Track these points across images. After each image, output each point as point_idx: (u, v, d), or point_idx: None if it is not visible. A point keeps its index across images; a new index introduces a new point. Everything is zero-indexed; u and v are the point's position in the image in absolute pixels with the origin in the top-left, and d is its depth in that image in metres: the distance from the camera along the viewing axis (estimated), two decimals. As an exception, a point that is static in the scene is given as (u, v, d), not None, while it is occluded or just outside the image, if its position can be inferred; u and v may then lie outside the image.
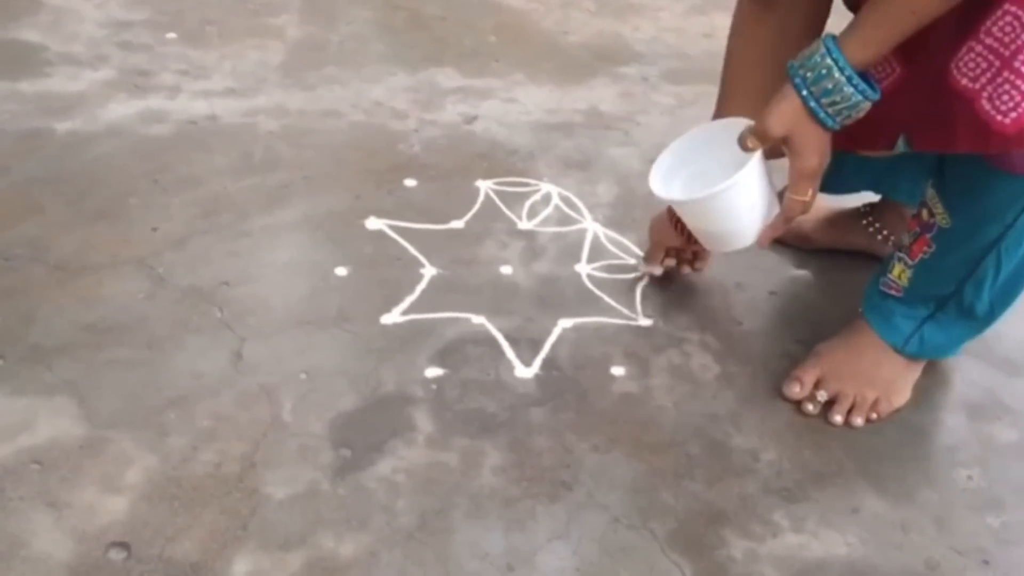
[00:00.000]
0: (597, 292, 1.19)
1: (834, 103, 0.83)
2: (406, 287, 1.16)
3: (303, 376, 1.01)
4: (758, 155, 0.90)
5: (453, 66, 1.72)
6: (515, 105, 1.61)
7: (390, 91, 1.61)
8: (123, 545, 0.82)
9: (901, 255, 1.03)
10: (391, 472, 0.91)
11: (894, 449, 1.01)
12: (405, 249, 1.23)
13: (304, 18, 1.85)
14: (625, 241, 1.29)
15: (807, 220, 1.23)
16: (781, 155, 0.91)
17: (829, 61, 0.81)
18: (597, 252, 1.26)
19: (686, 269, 1.20)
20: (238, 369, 1.01)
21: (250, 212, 1.26)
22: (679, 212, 1.03)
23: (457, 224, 1.29)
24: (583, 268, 1.23)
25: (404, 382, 1.02)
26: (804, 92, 0.83)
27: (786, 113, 0.85)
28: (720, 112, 1.05)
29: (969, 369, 1.13)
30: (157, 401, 0.96)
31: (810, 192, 0.90)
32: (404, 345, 1.07)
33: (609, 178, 1.43)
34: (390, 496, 0.89)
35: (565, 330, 1.12)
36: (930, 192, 0.98)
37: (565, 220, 1.32)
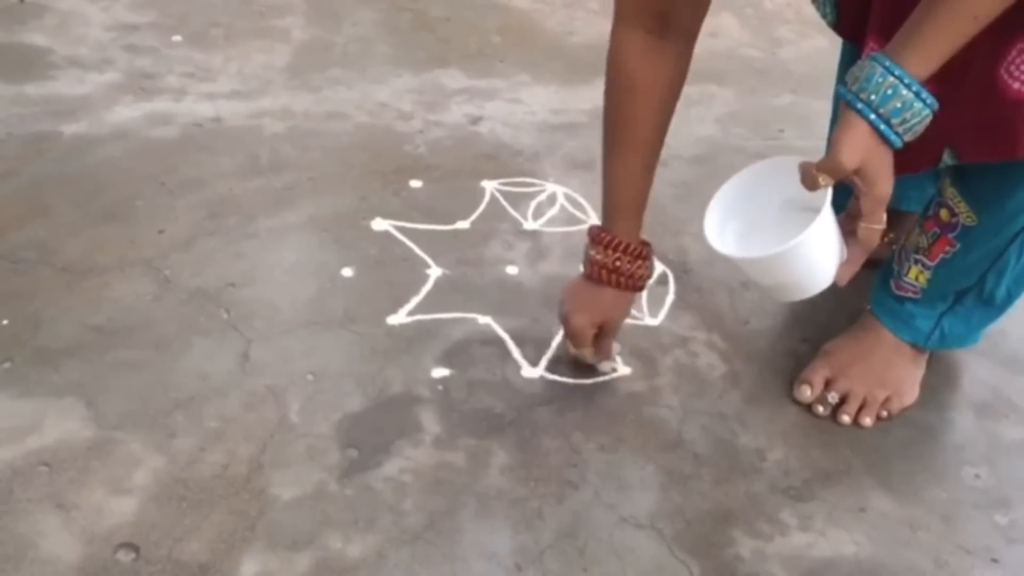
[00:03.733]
0: (603, 292, 1.19)
1: (904, 121, 0.77)
2: (412, 288, 1.16)
3: (310, 377, 1.01)
4: (830, 192, 0.81)
5: (458, 67, 1.72)
6: (520, 105, 1.61)
7: (395, 92, 1.62)
8: (131, 546, 0.82)
9: (918, 257, 1.02)
10: (398, 472, 0.92)
11: (901, 448, 1.01)
12: (411, 250, 1.23)
13: (309, 20, 1.85)
14: (631, 241, 1.29)
15: None
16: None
17: (892, 79, 0.76)
18: (603, 252, 1.26)
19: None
20: (245, 370, 1.01)
21: (256, 214, 1.27)
22: (746, 269, 0.91)
23: (463, 224, 1.29)
24: (589, 268, 1.23)
25: (411, 383, 1.02)
26: (872, 116, 0.77)
27: (857, 142, 0.78)
28: (618, 163, 0.97)
29: (976, 367, 1.13)
30: (164, 402, 0.96)
31: (884, 218, 0.83)
32: (410, 346, 1.07)
33: (614, 178, 1.43)
34: (397, 496, 0.89)
35: (571, 330, 1.12)
36: (950, 191, 0.97)
37: (571, 220, 1.33)
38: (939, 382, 1.10)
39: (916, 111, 0.77)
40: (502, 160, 1.45)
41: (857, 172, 0.80)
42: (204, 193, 1.30)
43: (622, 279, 0.99)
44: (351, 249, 1.22)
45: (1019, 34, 0.78)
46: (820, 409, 1.03)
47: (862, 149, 0.79)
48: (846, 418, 1.02)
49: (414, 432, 0.96)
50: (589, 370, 1.06)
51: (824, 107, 1.64)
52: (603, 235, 0.99)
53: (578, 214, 1.34)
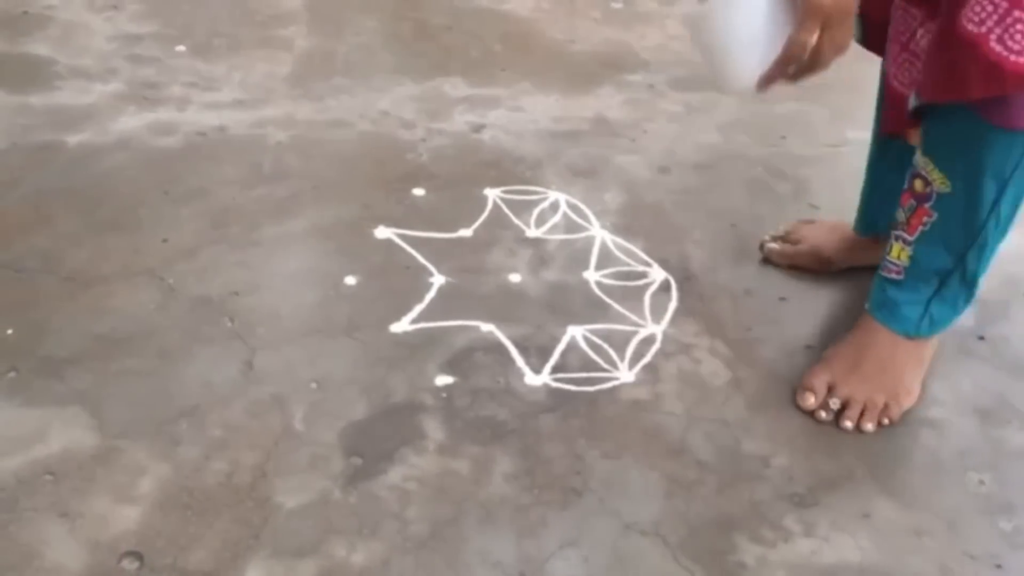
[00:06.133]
0: (606, 299, 1.19)
1: None
2: (415, 296, 1.16)
3: (313, 385, 1.01)
4: None
5: (460, 75, 1.73)
6: (522, 113, 1.61)
7: (397, 101, 1.62)
8: (136, 555, 0.82)
9: (899, 233, 1.02)
10: (402, 480, 0.92)
11: (905, 454, 1.01)
12: (414, 258, 1.23)
13: (312, 29, 1.86)
14: (633, 248, 1.29)
15: (828, 245, 1.23)
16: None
17: None
18: (605, 259, 1.27)
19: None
20: (249, 379, 1.02)
21: (259, 222, 1.27)
22: (690, 28, 0.94)
23: (465, 232, 1.30)
24: (591, 275, 1.23)
25: (414, 390, 1.02)
26: None
27: None
28: None
29: (979, 373, 1.13)
30: (169, 411, 0.97)
31: (815, 35, 0.85)
32: (414, 353, 1.07)
33: (616, 185, 1.43)
34: (401, 504, 0.89)
35: (574, 337, 1.12)
36: (922, 160, 0.97)
37: (573, 227, 1.33)
38: (942, 388, 1.10)
39: None
40: (504, 168, 1.46)
41: None
42: (208, 202, 1.30)
43: None
44: (354, 257, 1.22)
45: None
46: (823, 415, 1.03)
47: None
48: (848, 424, 1.02)
49: (418, 440, 0.96)
50: (593, 377, 1.06)
51: (825, 114, 1.65)
52: None
53: (580, 221, 1.34)
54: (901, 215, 1.01)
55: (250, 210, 1.29)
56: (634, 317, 1.16)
